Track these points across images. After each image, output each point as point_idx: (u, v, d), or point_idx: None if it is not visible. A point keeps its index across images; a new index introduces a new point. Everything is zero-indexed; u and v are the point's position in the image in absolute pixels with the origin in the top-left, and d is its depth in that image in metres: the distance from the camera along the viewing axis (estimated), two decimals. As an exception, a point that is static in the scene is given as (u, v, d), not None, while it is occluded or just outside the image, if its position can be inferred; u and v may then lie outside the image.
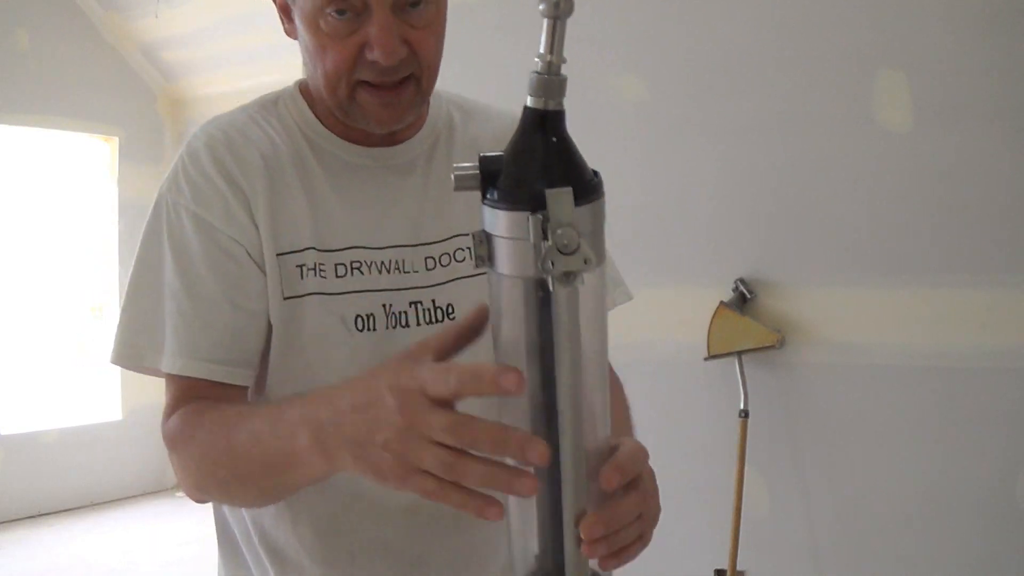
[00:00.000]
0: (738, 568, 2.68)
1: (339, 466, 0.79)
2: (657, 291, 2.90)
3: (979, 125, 2.34)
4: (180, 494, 5.55)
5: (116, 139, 5.56)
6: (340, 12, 0.99)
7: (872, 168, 2.51)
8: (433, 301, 1.08)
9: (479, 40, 3.36)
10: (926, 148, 2.41)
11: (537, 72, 0.66)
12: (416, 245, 1.09)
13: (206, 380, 1.01)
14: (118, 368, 1.14)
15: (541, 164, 0.68)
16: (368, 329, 1.05)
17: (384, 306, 1.06)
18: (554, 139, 0.68)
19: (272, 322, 1.04)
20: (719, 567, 2.74)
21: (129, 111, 5.60)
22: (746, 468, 2.65)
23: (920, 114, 2.42)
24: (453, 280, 1.09)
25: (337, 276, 1.05)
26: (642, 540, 0.79)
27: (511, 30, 3.31)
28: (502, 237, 0.68)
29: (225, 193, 1.04)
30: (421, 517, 1.07)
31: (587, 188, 0.68)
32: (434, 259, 1.09)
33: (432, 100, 1.12)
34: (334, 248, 1.06)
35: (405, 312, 1.07)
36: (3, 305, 5.94)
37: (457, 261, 1.10)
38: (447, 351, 0.78)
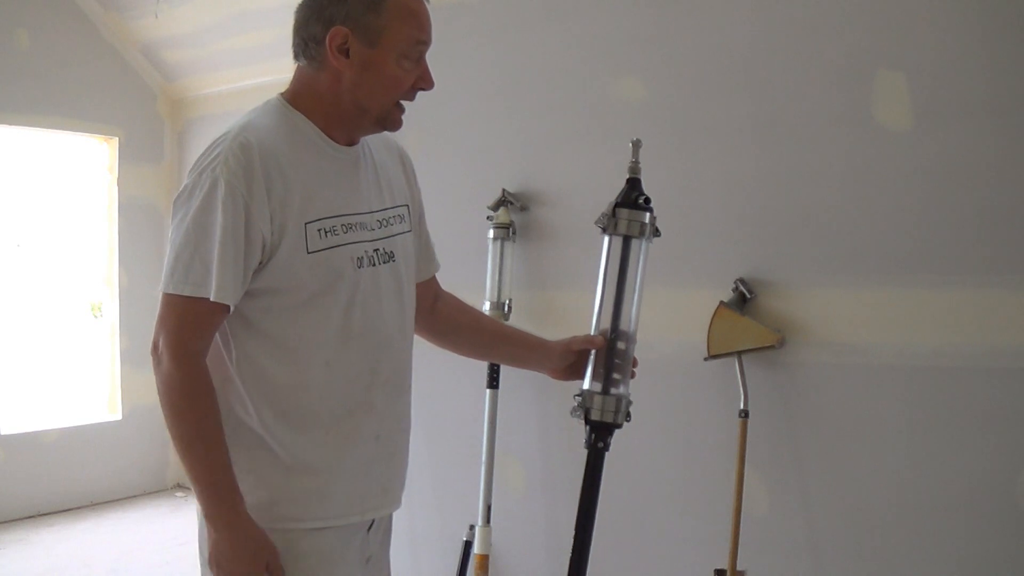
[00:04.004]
0: (738, 568, 2.68)
1: (211, 539, 1.58)
2: (657, 291, 2.90)
3: (979, 125, 2.34)
4: (180, 494, 5.56)
5: (116, 139, 5.55)
6: (419, 55, 1.66)
7: (872, 168, 2.51)
8: (383, 248, 1.74)
9: (479, 40, 3.36)
10: (925, 148, 2.41)
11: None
12: (370, 212, 1.73)
13: (224, 305, 1.57)
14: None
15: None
16: (361, 266, 1.69)
17: (365, 251, 1.70)
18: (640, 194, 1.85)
19: (296, 268, 1.61)
20: (719, 567, 2.74)
21: (129, 111, 5.60)
22: (746, 468, 2.65)
23: (919, 114, 2.42)
24: (390, 237, 1.76)
25: (344, 233, 1.66)
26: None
27: (511, 30, 3.31)
28: (624, 219, 1.81)
29: (262, 187, 1.57)
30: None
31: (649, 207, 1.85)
32: (379, 222, 1.75)
33: None
34: (338, 214, 1.66)
35: (373, 256, 1.71)
36: (3, 305, 5.94)
37: (389, 224, 1.76)
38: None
